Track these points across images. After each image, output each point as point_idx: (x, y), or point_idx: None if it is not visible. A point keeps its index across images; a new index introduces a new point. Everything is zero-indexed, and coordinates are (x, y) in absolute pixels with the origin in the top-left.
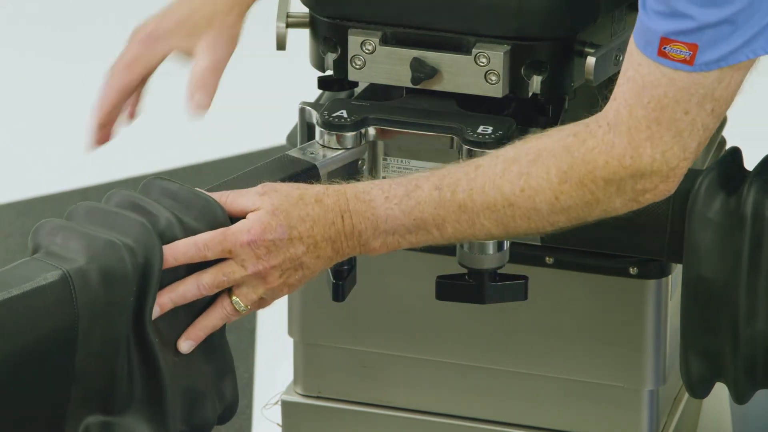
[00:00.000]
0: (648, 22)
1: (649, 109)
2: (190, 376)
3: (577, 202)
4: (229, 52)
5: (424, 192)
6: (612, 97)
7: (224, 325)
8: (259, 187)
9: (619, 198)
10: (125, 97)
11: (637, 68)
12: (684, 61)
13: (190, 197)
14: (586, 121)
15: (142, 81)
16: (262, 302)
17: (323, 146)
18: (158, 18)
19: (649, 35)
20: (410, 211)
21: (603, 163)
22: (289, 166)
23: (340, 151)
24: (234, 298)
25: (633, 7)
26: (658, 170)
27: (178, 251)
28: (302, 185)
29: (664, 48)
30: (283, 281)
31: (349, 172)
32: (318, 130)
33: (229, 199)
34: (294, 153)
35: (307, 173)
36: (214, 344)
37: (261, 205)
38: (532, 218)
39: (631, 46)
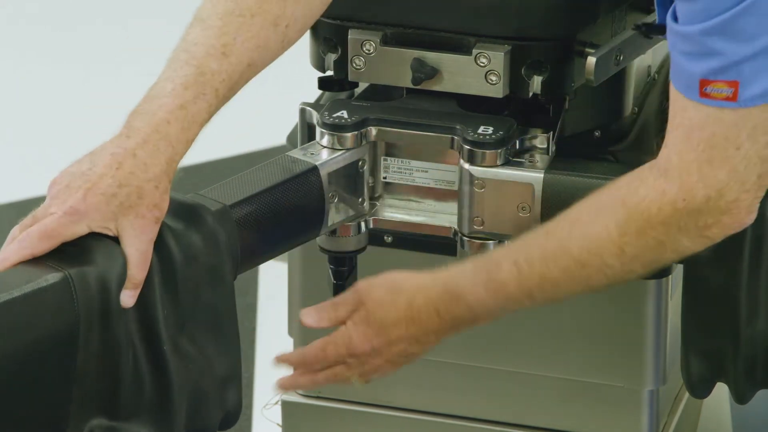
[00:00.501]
0: (684, 64)
1: (699, 152)
2: (197, 377)
3: (644, 250)
4: (154, 233)
5: (505, 271)
6: (664, 145)
7: (237, 328)
8: (352, 292)
9: (685, 237)
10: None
11: (683, 113)
12: (727, 99)
13: (176, 205)
14: (640, 169)
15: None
16: (379, 375)
17: (323, 147)
18: (82, 184)
19: (688, 78)
20: (497, 292)
21: (657, 210)
22: (289, 167)
23: (340, 152)
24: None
25: (633, 7)
26: (716, 206)
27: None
28: (395, 283)
29: (705, 89)
30: (393, 366)
31: (350, 172)
32: (318, 130)
33: (328, 310)
34: (294, 153)
35: (307, 174)
36: (228, 344)
37: (354, 316)
38: (607, 273)
39: (673, 91)
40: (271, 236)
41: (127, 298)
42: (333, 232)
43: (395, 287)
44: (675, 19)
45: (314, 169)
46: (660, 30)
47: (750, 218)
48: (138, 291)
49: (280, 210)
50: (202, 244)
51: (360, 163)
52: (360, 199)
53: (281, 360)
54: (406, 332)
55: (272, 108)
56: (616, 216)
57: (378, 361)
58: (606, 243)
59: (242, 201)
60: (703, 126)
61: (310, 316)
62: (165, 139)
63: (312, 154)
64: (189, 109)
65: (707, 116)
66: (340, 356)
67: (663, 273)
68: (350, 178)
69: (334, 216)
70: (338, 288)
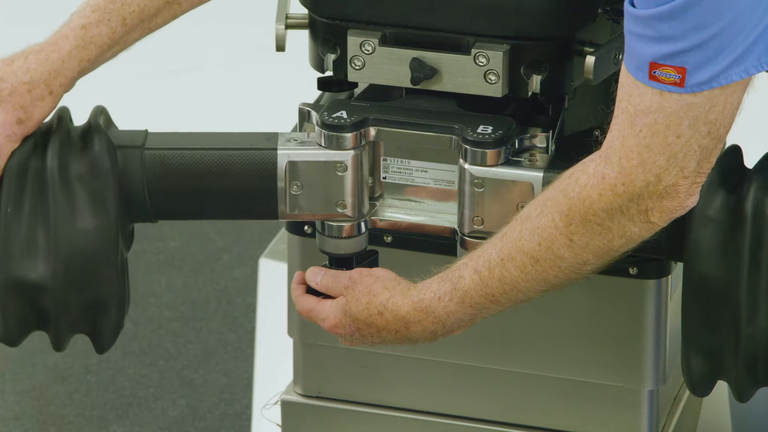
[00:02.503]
0: (636, 46)
1: (640, 137)
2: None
3: (592, 238)
4: (13, 132)
5: (467, 280)
6: (609, 130)
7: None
8: (347, 276)
9: (629, 222)
10: None
11: (629, 99)
12: (675, 84)
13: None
14: (583, 160)
15: None
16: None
17: (312, 140)
18: None
19: (639, 60)
20: (463, 301)
21: (597, 196)
22: (253, 142)
23: (313, 148)
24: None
25: None
26: (655, 190)
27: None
28: (374, 287)
29: (654, 72)
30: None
31: (323, 171)
32: (317, 129)
33: (326, 276)
34: (281, 136)
35: (261, 152)
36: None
37: (338, 299)
38: (561, 266)
39: (623, 76)
40: (202, 196)
41: None
42: (332, 234)
43: (373, 291)
44: (632, 3)
45: (272, 152)
46: None
47: (691, 201)
48: None
49: (216, 174)
50: (86, 166)
51: (338, 165)
52: (339, 201)
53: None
54: (377, 334)
55: (272, 108)
56: (560, 207)
57: (347, 340)
58: (555, 234)
59: (180, 149)
60: (647, 112)
61: (312, 273)
62: (57, 52)
63: (294, 140)
64: (89, 30)
65: (651, 103)
66: (315, 321)
67: (662, 272)
68: (324, 176)
69: (295, 206)
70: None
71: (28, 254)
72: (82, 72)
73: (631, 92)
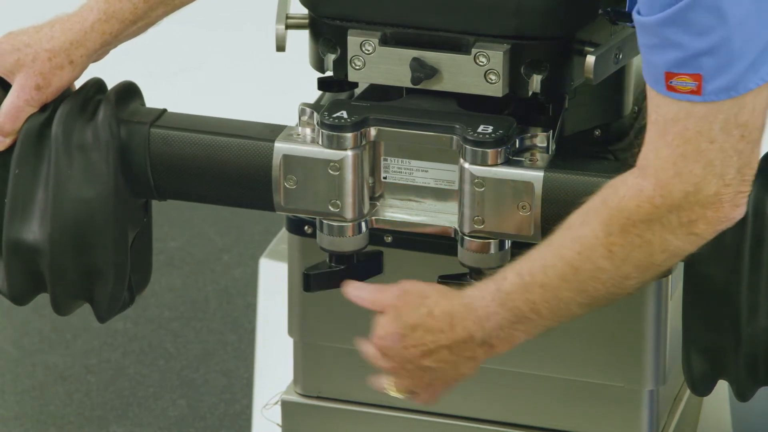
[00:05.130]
0: (649, 57)
1: (673, 147)
2: None
3: (632, 250)
4: (32, 97)
5: (509, 282)
6: (644, 143)
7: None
8: (396, 287)
9: (671, 235)
10: None
11: (657, 110)
12: (692, 92)
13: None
14: (627, 171)
15: None
16: (414, 395)
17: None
18: (13, 30)
19: (655, 71)
20: (504, 303)
21: (635, 208)
22: (255, 132)
23: (309, 145)
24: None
25: None
26: (696, 201)
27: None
28: (425, 291)
29: (671, 82)
30: (417, 381)
31: (316, 169)
32: (317, 130)
33: (370, 291)
34: (285, 130)
35: (258, 142)
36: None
37: (386, 309)
38: (601, 278)
39: (648, 89)
40: (202, 179)
41: None
42: (332, 232)
43: (423, 293)
44: (639, 12)
45: (269, 144)
46: (626, 17)
47: (737, 212)
48: (5, 140)
49: (215, 159)
50: (87, 136)
51: (331, 165)
52: (332, 201)
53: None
54: (421, 339)
55: (272, 109)
56: (600, 217)
57: (389, 365)
58: (594, 244)
59: (185, 130)
60: (675, 121)
61: (356, 289)
62: (81, 23)
63: (297, 135)
64: (112, 5)
65: (678, 110)
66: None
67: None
68: (317, 174)
69: (290, 201)
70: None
71: (28, 216)
72: (105, 45)
73: (659, 103)
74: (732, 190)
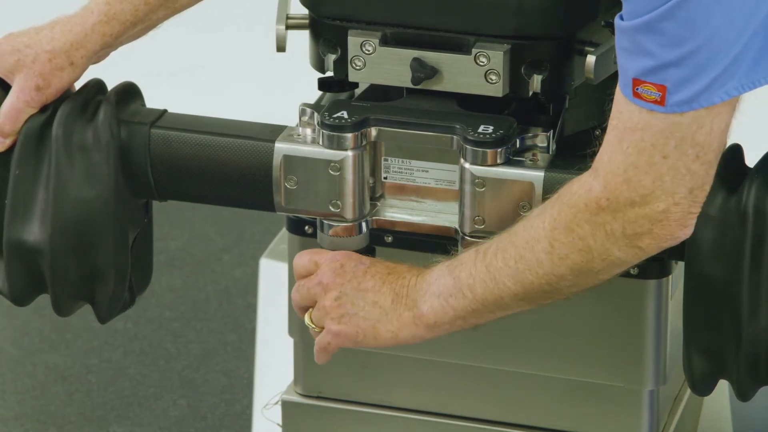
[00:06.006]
0: (621, 60)
1: (627, 154)
2: None
3: (571, 250)
4: (32, 98)
5: (466, 254)
6: (602, 144)
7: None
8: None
9: (613, 245)
10: None
11: (620, 115)
12: (656, 102)
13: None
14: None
15: None
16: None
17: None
18: (14, 31)
19: (624, 75)
20: (452, 270)
21: (583, 206)
22: (256, 133)
23: (310, 146)
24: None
25: None
26: (644, 214)
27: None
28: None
29: (637, 89)
30: (336, 306)
31: (316, 169)
32: (318, 130)
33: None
34: (286, 130)
35: (258, 142)
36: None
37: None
38: (538, 272)
39: (617, 92)
40: (203, 179)
41: None
42: (331, 232)
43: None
44: (622, 17)
45: (269, 144)
46: None
47: (684, 233)
48: (6, 141)
49: (216, 160)
50: (88, 137)
51: (331, 165)
52: (333, 201)
53: None
54: (354, 271)
55: (272, 109)
56: (552, 210)
57: (325, 282)
58: (540, 236)
59: (185, 130)
60: (634, 130)
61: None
62: (81, 24)
63: (297, 136)
64: (113, 7)
65: (639, 120)
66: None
67: (663, 272)
68: (317, 175)
69: (291, 201)
70: None
71: (29, 217)
72: (106, 46)
73: (622, 109)
74: (681, 210)
